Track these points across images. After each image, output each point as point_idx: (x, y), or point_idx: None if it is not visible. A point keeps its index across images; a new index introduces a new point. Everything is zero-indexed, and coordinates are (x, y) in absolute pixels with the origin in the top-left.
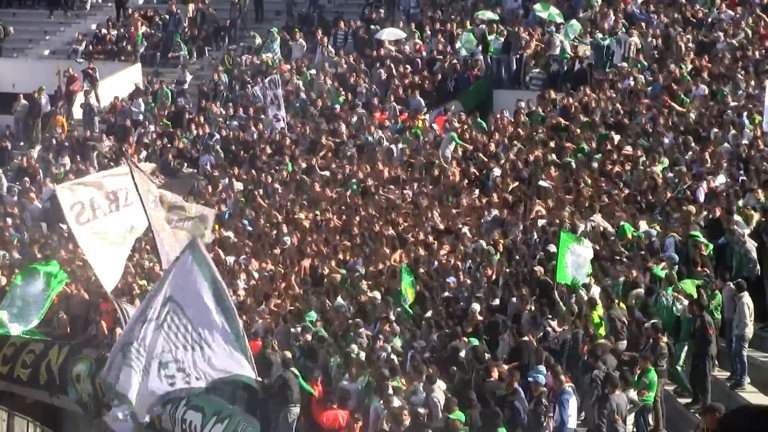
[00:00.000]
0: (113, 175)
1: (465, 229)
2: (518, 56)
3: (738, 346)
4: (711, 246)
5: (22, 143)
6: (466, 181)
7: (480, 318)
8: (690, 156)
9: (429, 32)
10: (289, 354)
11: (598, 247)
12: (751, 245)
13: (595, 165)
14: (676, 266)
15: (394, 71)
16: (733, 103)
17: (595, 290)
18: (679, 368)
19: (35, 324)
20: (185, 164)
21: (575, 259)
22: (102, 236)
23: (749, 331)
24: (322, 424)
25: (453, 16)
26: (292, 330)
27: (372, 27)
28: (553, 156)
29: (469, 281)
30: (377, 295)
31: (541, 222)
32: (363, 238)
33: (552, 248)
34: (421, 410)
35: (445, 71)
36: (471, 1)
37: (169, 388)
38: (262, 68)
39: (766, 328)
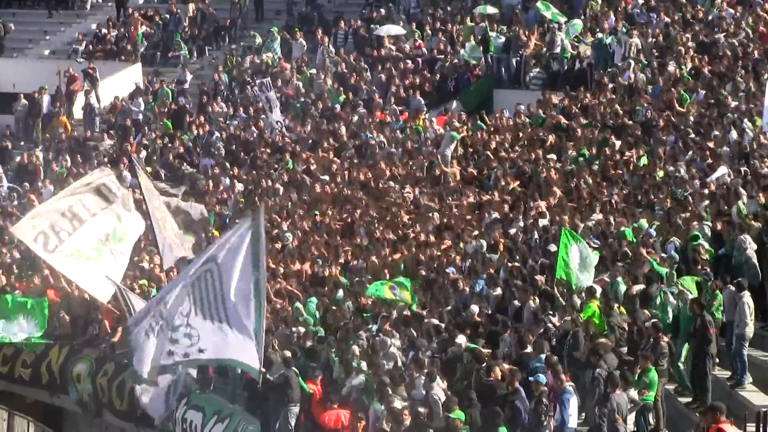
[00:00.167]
0: (62, 197)
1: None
2: (518, 56)
3: (738, 345)
4: (711, 251)
5: (22, 143)
6: (465, 180)
7: (478, 319)
8: (690, 156)
9: (429, 32)
10: (288, 353)
11: (597, 247)
12: (752, 252)
13: (596, 167)
14: (676, 265)
15: (394, 71)
16: (733, 104)
17: (596, 289)
18: (680, 365)
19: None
20: (184, 164)
21: (575, 258)
22: (76, 256)
23: (750, 330)
24: (324, 424)
25: (453, 13)
26: (293, 330)
27: (372, 26)
28: (553, 155)
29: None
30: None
31: (542, 222)
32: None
33: (552, 248)
34: (422, 409)
35: (445, 71)
36: None
37: (170, 346)
38: (262, 68)
39: (766, 328)
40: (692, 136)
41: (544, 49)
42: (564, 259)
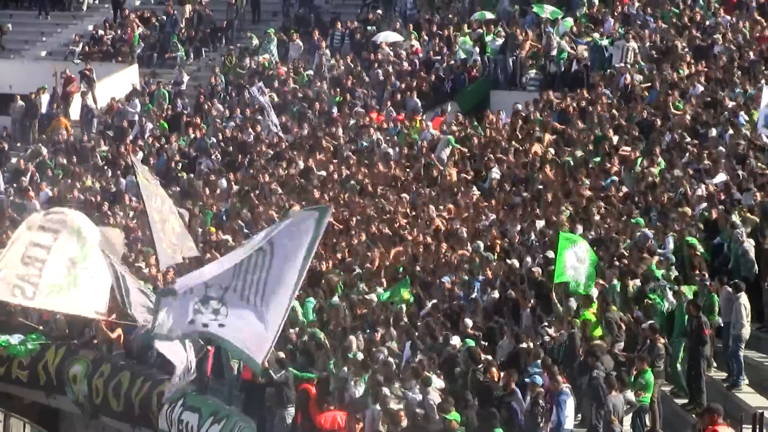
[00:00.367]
0: (10, 244)
1: (463, 230)
2: (515, 57)
3: (735, 346)
4: (706, 251)
5: (19, 144)
6: (462, 181)
7: (472, 332)
8: (687, 157)
9: (426, 37)
10: (282, 354)
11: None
12: (749, 245)
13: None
14: (673, 266)
15: (390, 72)
16: (730, 104)
17: (593, 291)
18: (678, 366)
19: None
20: (181, 166)
21: (574, 261)
22: (57, 291)
23: (746, 331)
24: (321, 425)
25: (450, 17)
26: (290, 330)
27: (369, 28)
28: (551, 151)
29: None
30: (374, 297)
31: (539, 224)
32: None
33: (550, 254)
34: (419, 410)
35: (442, 72)
36: (468, 1)
37: (192, 315)
38: (259, 69)
39: (763, 329)
40: (688, 140)
41: (540, 50)
42: (562, 263)
